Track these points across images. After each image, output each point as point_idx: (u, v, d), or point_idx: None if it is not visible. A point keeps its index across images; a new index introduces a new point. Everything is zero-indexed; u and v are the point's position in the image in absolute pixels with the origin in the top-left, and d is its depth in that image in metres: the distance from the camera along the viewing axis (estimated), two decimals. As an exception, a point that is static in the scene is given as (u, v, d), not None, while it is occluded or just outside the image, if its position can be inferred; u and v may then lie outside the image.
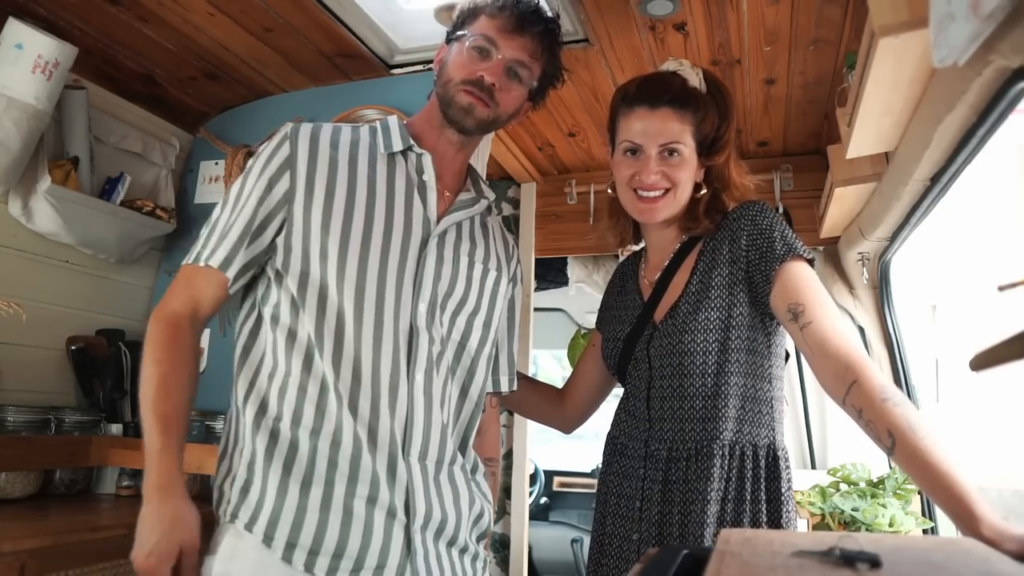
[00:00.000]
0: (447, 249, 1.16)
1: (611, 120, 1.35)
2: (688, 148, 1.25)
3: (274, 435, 1.04)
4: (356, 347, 1.05)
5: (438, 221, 1.16)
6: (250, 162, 1.14)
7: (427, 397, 1.08)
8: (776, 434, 1.21)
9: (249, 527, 1.00)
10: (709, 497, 1.14)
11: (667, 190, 1.25)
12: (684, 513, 1.15)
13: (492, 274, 1.23)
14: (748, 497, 1.15)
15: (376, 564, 1.01)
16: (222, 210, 1.12)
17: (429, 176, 1.17)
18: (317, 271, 1.06)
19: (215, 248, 1.08)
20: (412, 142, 1.17)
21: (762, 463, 1.17)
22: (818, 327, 1.09)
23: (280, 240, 1.09)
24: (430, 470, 1.08)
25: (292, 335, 1.06)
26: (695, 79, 1.28)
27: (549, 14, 1.21)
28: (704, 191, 1.30)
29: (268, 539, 0.99)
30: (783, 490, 1.17)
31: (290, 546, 0.99)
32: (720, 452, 1.16)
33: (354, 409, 1.03)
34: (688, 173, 1.26)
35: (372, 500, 1.02)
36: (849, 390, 1.02)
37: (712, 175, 1.31)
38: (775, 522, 1.15)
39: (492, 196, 1.29)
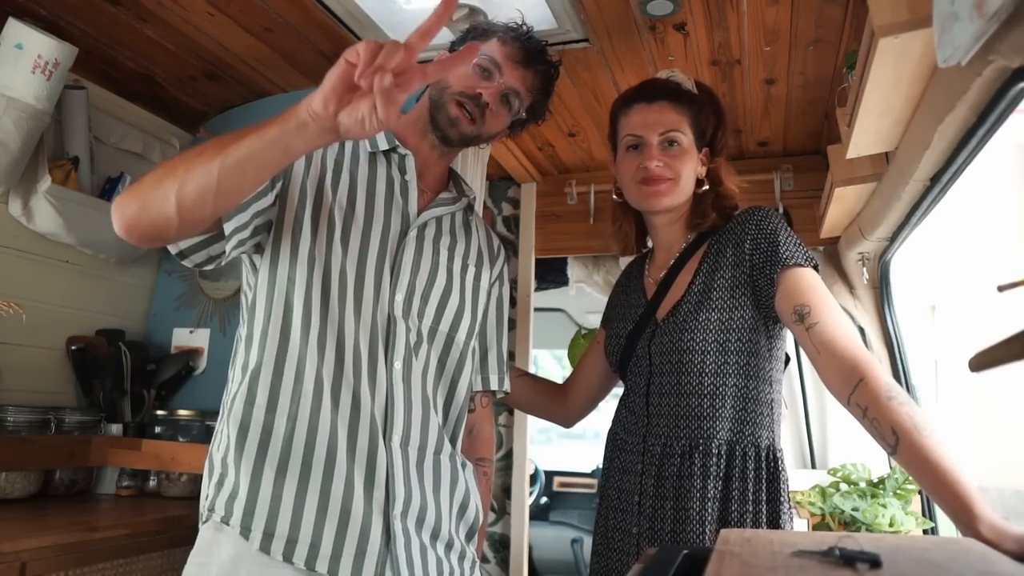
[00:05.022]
0: (426, 242, 1.18)
1: (611, 127, 1.40)
2: (687, 139, 1.30)
3: (247, 422, 1.03)
4: (340, 330, 1.06)
5: (418, 216, 1.18)
6: None
7: (406, 384, 1.09)
8: (775, 436, 1.23)
9: (226, 520, 1.00)
10: (708, 495, 1.15)
11: (671, 179, 1.28)
12: (677, 509, 1.17)
13: (472, 270, 1.25)
14: (751, 497, 1.16)
15: (355, 551, 1.01)
16: None
17: (411, 176, 1.19)
18: (302, 262, 1.07)
19: None
20: (396, 142, 1.19)
21: (763, 464, 1.19)
22: (825, 328, 1.11)
23: (274, 217, 1.08)
24: (412, 456, 1.09)
25: (277, 322, 1.07)
26: (688, 83, 1.35)
27: (554, 59, 1.27)
28: (707, 187, 1.34)
29: (246, 531, 0.99)
30: (782, 491, 1.18)
31: (267, 536, 0.99)
32: (718, 451, 1.17)
33: (336, 392, 1.04)
34: (690, 165, 1.30)
35: (350, 484, 1.02)
36: (855, 389, 1.03)
37: (710, 176, 1.35)
38: (774, 522, 1.16)
39: (473, 194, 1.31)
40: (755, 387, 1.21)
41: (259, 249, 1.11)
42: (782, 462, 1.21)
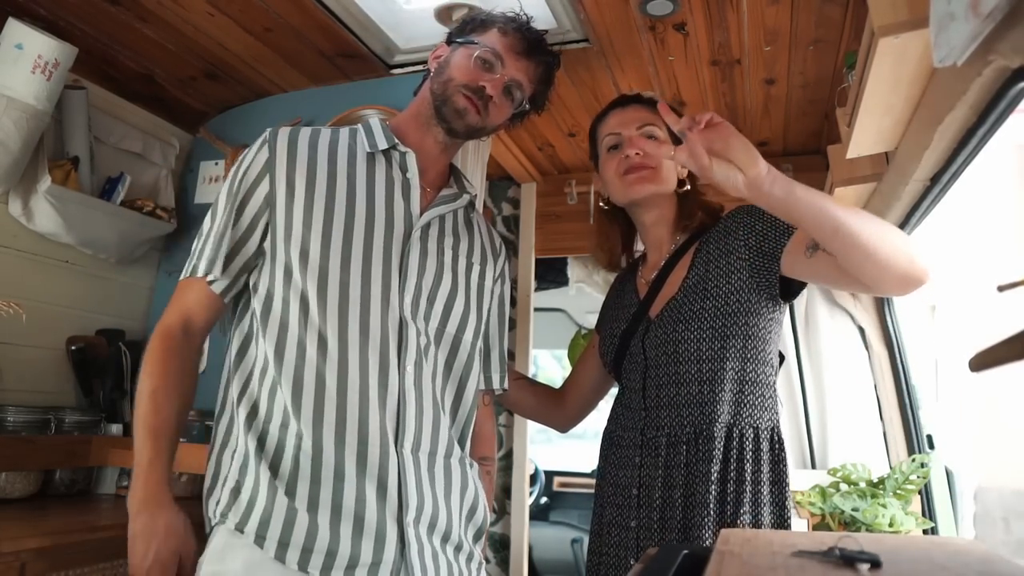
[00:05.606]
0: (431, 243, 1.17)
1: (591, 144, 1.46)
2: (663, 133, 1.34)
3: (263, 437, 1.04)
4: (342, 342, 1.05)
5: (420, 215, 1.17)
6: (231, 170, 1.14)
7: (418, 388, 1.09)
8: (777, 418, 1.24)
9: (240, 527, 1.00)
10: (712, 478, 1.16)
11: (652, 168, 1.32)
12: (687, 495, 1.18)
13: (476, 268, 1.24)
14: (748, 479, 1.16)
15: (372, 560, 1.01)
16: (210, 220, 1.13)
17: (413, 174, 1.18)
18: (301, 270, 1.07)
19: (201, 257, 1.10)
20: (396, 140, 1.18)
21: (764, 445, 1.19)
22: None
23: (267, 244, 1.10)
24: (423, 462, 1.08)
25: (281, 335, 1.07)
26: (656, 97, 1.40)
27: (554, 48, 1.28)
28: (688, 187, 1.37)
29: (260, 539, 0.98)
30: (785, 473, 1.19)
31: (282, 545, 0.98)
32: (719, 434, 1.18)
33: (342, 400, 1.03)
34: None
35: (362, 493, 1.01)
36: None
37: (691, 175, 1.37)
38: (779, 503, 1.17)
39: (474, 191, 1.30)
40: (754, 369, 1.22)
41: (260, 268, 1.12)
42: (783, 444, 1.22)
